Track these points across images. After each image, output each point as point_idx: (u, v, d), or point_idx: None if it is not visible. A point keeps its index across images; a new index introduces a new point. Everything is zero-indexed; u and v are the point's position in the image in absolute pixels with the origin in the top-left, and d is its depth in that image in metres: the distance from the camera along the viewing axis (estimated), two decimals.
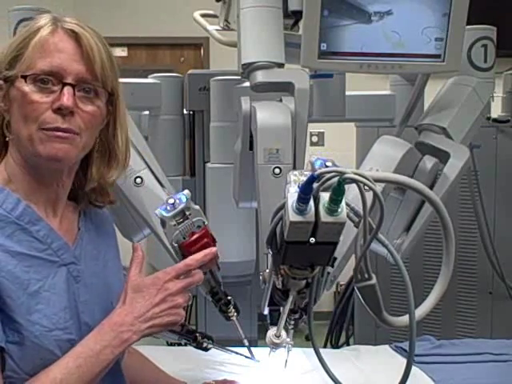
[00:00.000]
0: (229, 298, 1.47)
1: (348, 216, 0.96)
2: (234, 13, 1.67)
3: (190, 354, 1.73)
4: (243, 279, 2.17)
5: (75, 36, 1.07)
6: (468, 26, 1.51)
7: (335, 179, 0.89)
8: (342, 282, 3.80)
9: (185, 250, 1.33)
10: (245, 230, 2.12)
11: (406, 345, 1.89)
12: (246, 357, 1.66)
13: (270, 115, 1.33)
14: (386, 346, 1.97)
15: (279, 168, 1.27)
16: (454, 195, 2.50)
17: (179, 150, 2.45)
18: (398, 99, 2.16)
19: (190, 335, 1.60)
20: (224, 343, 1.67)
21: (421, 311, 1.05)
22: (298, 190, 0.90)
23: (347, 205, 0.96)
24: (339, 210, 0.91)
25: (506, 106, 2.97)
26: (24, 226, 1.05)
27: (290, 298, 1.08)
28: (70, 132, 1.05)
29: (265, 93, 1.47)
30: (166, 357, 1.73)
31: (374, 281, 1.05)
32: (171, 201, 1.33)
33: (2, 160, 1.11)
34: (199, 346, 1.62)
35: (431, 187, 1.61)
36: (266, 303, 1.19)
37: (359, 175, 0.89)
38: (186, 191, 1.36)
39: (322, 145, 3.73)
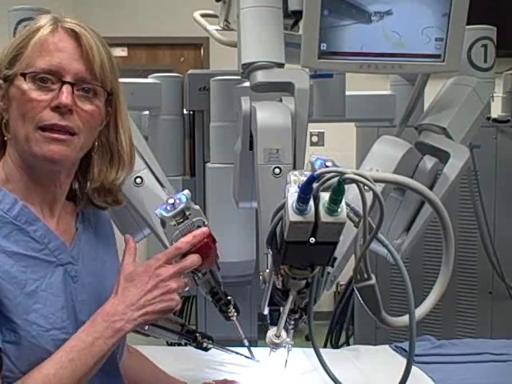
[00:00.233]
0: (229, 298, 1.47)
1: (348, 216, 0.96)
2: (234, 13, 1.67)
3: (190, 353, 1.73)
4: (243, 279, 2.17)
5: (75, 35, 1.07)
6: (468, 26, 1.50)
7: (335, 179, 0.89)
8: (342, 282, 3.80)
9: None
10: (245, 229, 2.12)
11: (405, 345, 1.89)
12: (246, 357, 1.66)
13: (270, 115, 1.33)
14: (386, 346, 1.97)
15: (279, 168, 1.27)
16: (453, 195, 2.50)
17: (179, 150, 2.45)
18: (398, 99, 2.16)
19: (189, 335, 1.60)
20: (224, 343, 1.67)
21: (420, 311, 1.05)
22: (297, 189, 0.90)
23: (347, 205, 0.96)
24: (339, 209, 0.91)
25: (506, 106, 2.97)
26: (21, 227, 1.05)
27: (290, 298, 1.08)
28: (67, 131, 1.04)
29: (265, 93, 1.47)
30: (166, 357, 1.73)
31: (373, 281, 1.05)
32: (171, 201, 1.33)
33: (1, 160, 1.11)
34: (199, 346, 1.62)
35: (431, 187, 1.61)
36: (266, 303, 1.19)
37: (359, 175, 0.89)
38: (186, 191, 1.36)
39: (322, 145, 3.73)
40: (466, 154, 1.64)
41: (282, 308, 1.13)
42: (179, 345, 1.67)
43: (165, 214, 1.32)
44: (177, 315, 1.43)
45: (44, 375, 0.99)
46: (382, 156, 1.58)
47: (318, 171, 0.90)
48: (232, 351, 1.67)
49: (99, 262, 1.20)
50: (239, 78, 1.67)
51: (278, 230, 0.99)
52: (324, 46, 1.44)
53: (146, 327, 1.57)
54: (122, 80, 1.16)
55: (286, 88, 1.42)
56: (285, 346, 1.19)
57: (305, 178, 0.90)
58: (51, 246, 1.08)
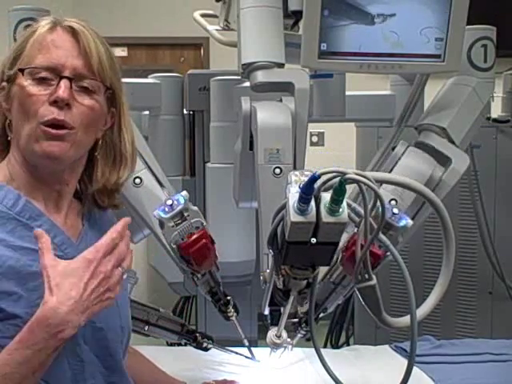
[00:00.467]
0: (228, 298, 1.48)
1: (349, 216, 0.96)
2: (234, 13, 1.67)
3: (190, 354, 1.73)
4: (243, 279, 2.17)
5: (73, 32, 1.07)
6: (468, 26, 1.51)
7: (336, 179, 0.89)
8: None
9: (183, 251, 1.33)
10: (245, 229, 2.12)
11: (405, 345, 1.89)
12: (246, 357, 1.66)
13: (270, 115, 1.33)
14: (386, 346, 1.97)
15: (280, 168, 1.27)
16: (454, 195, 2.50)
17: (179, 150, 2.45)
18: (398, 99, 2.16)
19: (189, 335, 1.61)
20: (224, 343, 1.67)
21: (421, 312, 1.05)
22: (299, 190, 0.90)
23: (348, 205, 0.96)
24: (340, 210, 0.91)
25: (505, 106, 2.97)
26: (25, 222, 1.05)
27: (291, 298, 1.08)
28: (65, 125, 1.05)
29: (265, 93, 1.47)
30: (166, 357, 1.73)
31: (374, 281, 1.04)
32: (169, 202, 1.33)
33: (5, 159, 1.12)
34: (199, 346, 1.62)
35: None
36: (267, 303, 1.19)
37: (360, 175, 0.89)
38: (184, 192, 1.36)
39: (322, 145, 3.72)
40: (467, 162, 1.64)
41: (282, 308, 1.13)
42: (179, 345, 1.68)
43: (163, 215, 1.32)
44: (177, 315, 1.43)
45: None
46: (412, 170, 1.57)
47: (319, 171, 0.90)
48: (232, 351, 1.67)
49: None
50: (239, 78, 1.67)
51: (278, 230, 0.99)
52: (324, 46, 1.44)
53: (146, 327, 1.57)
54: (122, 80, 1.17)
55: (286, 88, 1.42)
56: (285, 346, 1.19)
57: (306, 178, 0.90)
58: (57, 240, 1.08)
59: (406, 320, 1.04)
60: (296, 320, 1.20)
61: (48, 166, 1.08)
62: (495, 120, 2.83)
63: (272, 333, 1.14)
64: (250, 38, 1.49)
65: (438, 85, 1.80)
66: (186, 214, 1.33)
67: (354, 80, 2.06)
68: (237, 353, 1.69)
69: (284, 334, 1.14)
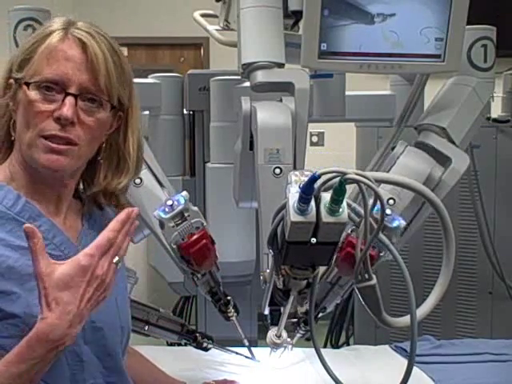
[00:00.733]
0: (228, 298, 1.48)
1: (349, 216, 0.96)
2: (234, 13, 1.67)
3: (190, 354, 1.73)
4: (243, 279, 2.17)
5: (82, 45, 1.06)
6: (468, 26, 1.51)
7: (336, 179, 0.89)
8: None
9: (184, 252, 1.33)
10: (245, 230, 2.12)
11: (405, 345, 1.89)
12: (246, 357, 1.66)
13: (270, 115, 1.33)
14: (386, 346, 1.97)
15: (280, 168, 1.27)
16: (454, 195, 2.50)
17: (179, 150, 2.45)
18: (397, 99, 2.16)
19: (190, 335, 1.61)
20: (224, 343, 1.67)
21: (421, 312, 1.05)
22: (299, 190, 0.90)
23: (348, 205, 0.96)
24: (340, 210, 0.91)
25: (505, 106, 2.97)
26: (24, 222, 1.05)
27: (291, 298, 1.08)
28: (67, 141, 1.04)
29: (265, 93, 1.47)
30: (166, 357, 1.73)
31: (374, 281, 1.04)
32: (169, 202, 1.33)
33: (8, 158, 1.12)
34: (199, 346, 1.62)
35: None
36: (267, 303, 1.19)
37: (360, 175, 0.90)
38: (184, 192, 1.36)
39: (322, 145, 3.72)
40: (467, 162, 1.64)
41: (282, 308, 1.13)
42: (179, 345, 1.68)
43: (163, 215, 1.32)
44: (177, 315, 1.43)
45: None
46: (410, 169, 1.57)
47: (319, 171, 0.90)
48: (232, 351, 1.67)
49: None
50: (239, 78, 1.67)
51: (278, 230, 0.99)
52: (324, 46, 1.44)
53: (146, 327, 1.57)
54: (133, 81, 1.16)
55: (286, 88, 1.42)
56: (285, 346, 1.19)
57: (306, 178, 0.90)
58: (56, 240, 1.08)
59: (405, 320, 1.04)
60: (295, 320, 1.20)
61: (47, 173, 1.08)
62: (495, 120, 2.83)
63: (272, 333, 1.14)
64: (250, 38, 1.49)
65: (438, 85, 1.80)
66: (186, 215, 1.33)
67: (354, 80, 2.06)
68: (237, 353, 1.69)
69: (284, 334, 1.14)
